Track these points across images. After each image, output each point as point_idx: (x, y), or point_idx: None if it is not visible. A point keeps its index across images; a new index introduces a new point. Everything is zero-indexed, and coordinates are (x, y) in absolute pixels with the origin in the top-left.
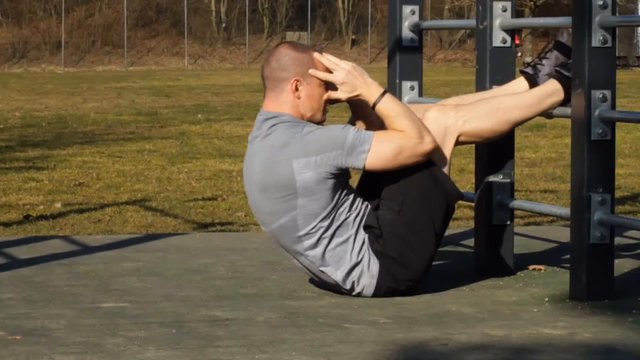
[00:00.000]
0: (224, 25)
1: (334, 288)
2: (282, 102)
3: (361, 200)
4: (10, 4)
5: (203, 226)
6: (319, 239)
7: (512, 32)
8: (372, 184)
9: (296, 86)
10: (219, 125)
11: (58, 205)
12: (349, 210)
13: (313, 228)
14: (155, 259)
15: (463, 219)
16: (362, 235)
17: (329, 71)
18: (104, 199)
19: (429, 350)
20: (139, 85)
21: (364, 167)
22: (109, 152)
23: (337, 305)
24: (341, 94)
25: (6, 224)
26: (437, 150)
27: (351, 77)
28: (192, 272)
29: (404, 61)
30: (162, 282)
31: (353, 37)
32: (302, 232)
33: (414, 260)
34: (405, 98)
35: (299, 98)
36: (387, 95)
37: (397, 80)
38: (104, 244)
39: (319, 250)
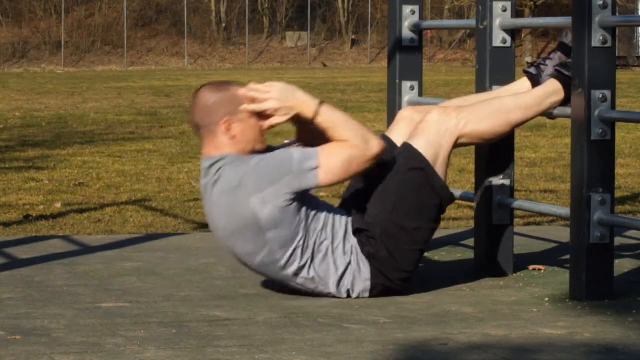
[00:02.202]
0: (224, 25)
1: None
2: (220, 145)
3: (332, 208)
4: (10, 4)
5: (203, 226)
6: (301, 262)
7: (513, 32)
8: (361, 185)
9: (228, 126)
10: None
11: (58, 205)
12: (322, 224)
13: (292, 254)
14: (155, 259)
15: (463, 219)
16: (345, 241)
17: (259, 100)
18: (104, 199)
19: (429, 350)
20: (139, 85)
21: (318, 184)
22: (109, 152)
23: (337, 305)
24: (279, 118)
25: (6, 224)
26: (434, 151)
27: (283, 99)
28: (192, 272)
29: (404, 61)
30: (162, 282)
31: (353, 37)
32: (283, 262)
33: (405, 258)
34: (405, 98)
35: (234, 137)
36: (324, 107)
37: (397, 80)
38: (104, 244)
39: (305, 272)
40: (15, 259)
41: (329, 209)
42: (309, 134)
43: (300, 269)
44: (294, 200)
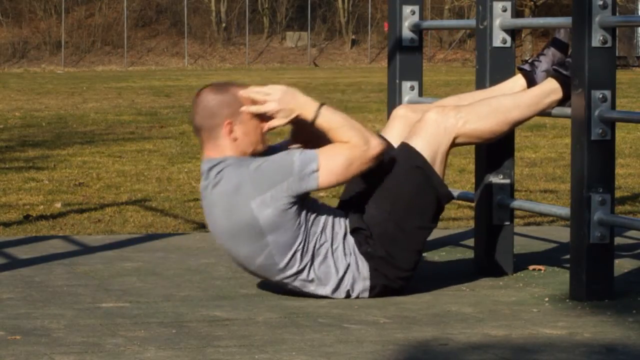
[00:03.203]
0: (224, 25)
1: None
2: (221, 147)
3: (328, 213)
4: (10, 4)
5: (203, 226)
6: (301, 264)
7: (513, 32)
8: (360, 184)
9: (230, 129)
10: None
11: (58, 205)
12: (321, 227)
13: (291, 257)
14: (155, 259)
15: (463, 219)
16: (345, 243)
17: (260, 102)
18: (104, 199)
19: (429, 350)
20: (139, 85)
21: (318, 186)
22: (109, 152)
23: (337, 305)
24: (279, 120)
25: (6, 224)
26: (432, 150)
27: (284, 101)
28: (192, 272)
29: (404, 61)
30: (162, 282)
31: (353, 37)
32: (282, 265)
33: (403, 258)
34: (405, 98)
35: (236, 139)
36: (324, 108)
37: (397, 80)
38: (104, 244)
39: (304, 274)
40: (15, 259)
41: (329, 211)
42: (305, 135)
43: (300, 271)
44: (294, 203)
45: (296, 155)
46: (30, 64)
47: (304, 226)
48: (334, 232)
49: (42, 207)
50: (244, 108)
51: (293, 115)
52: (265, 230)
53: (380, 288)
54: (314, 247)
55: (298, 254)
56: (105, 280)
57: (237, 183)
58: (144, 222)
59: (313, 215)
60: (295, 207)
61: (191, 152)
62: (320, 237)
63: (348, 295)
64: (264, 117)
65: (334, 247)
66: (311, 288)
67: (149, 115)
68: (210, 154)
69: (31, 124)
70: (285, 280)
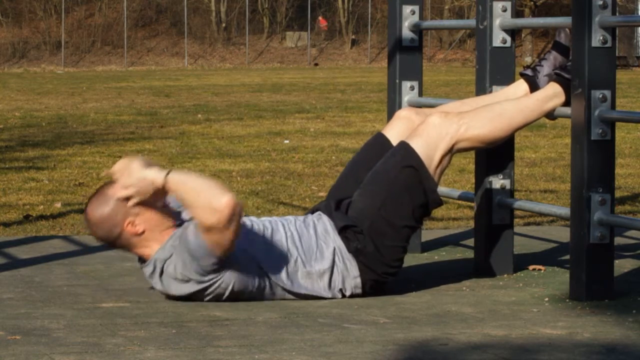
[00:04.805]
0: (224, 25)
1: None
2: (143, 247)
3: (285, 222)
4: (10, 4)
5: None
6: (285, 284)
7: (513, 32)
8: (353, 179)
9: (132, 227)
10: (219, 125)
11: (58, 205)
12: (280, 245)
13: (270, 284)
14: None
15: (463, 219)
16: (324, 245)
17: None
18: None
19: (429, 350)
20: (139, 85)
21: (220, 257)
22: (109, 152)
23: (337, 305)
24: (137, 198)
25: (6, 224)
26: (430, 154)
27: (134, 181)
28: None
29: (404, 61)
30: None
31: (353, 37)
32: (267, 290)
33: (390, 253)
34: (405, 98)
35: (144, 231)
36: (171, 175)
37: (397, 80)
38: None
39: (293, 289)
40: (15, 259)
41: (283, 225)
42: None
43: (286, 290)
44: (223, 260)
45: (189, 238)
46: (30, 64)
47: (258, 260)
48: (304, 244)
49: (42, 207)
50: (129, 204)
51: (152, 187)
52: (231, 286)
53: (371, 283)
54: (287, 265)
55: (273, 278)
56: (105, 280)
57: (177, 274)
58: None
59: (262, 247)
60: (231, 258)
61: (191, 152)
62: (288, 255)
63: (342, 294)
64: (150, 197)
65: (308, 255)
66: (305, 297)
67: (149, 115)
68: (142, 255)
69: (31, 124)
70: (282, 297)
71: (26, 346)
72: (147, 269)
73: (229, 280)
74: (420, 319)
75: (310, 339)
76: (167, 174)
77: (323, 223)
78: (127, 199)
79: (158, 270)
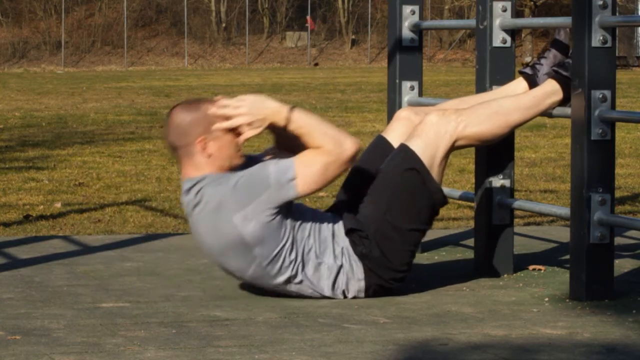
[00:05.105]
0: (224, 25)
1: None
2: (198, 165)
3: (311, 217)
4: (10, 4)
5: None
6: (292, 273)
7: (513, 32)
8: (357, 184)
9: (203, 146)
10: None
11: (58, 205)
12: (308, 232)
13: (281, 266)
14: (155, 259)
15: (463, 219)
16: (334, 244)
17: (230, 117)
18: (104, 199)
19: (429, 350)
20: (139, 85)
21: (298, 194)
22: (109, 152)
23: (337, 305)
24: (253, 131)
25: (6, 224)
26: (430, 154)
27: (254, 112)
28: (192, 272)
29: (404, 61)
30: (162, 282)
31: (353, 37)
32: (273, 273)
33: (397, 258)
34: (405, 98)
35: (210, 155)
36: (296, 112)
37: (397, 80)
38: (104, 244)
39: (297, 279)
40: (15, 259)
41: (314, 215)
42: (288, 140)
43: (292, 277)
44: (276, 214)
45: (271, 166)
46: (30, 64)
47: (289, 234)
48: (322, 236)
49: (42, 207)
50: (216, 126)
51: (265, 125)
52: (251, 244)
53: (375, 288)
54: (303, 252)
55: (287, 261)
56: (105, 280)
57: (218, 201)
58: (144, 222)
59: (298, 222)
60: (278, 217)
61: None
62: (308, 242)
63: (345, 296)
64: (237, 130)
65: (322, 250)
66: (308, 292)
67: (149, 115)
68: (188, 172)
69: (31, 124)
70: (280, 287)
71: (26, 346)
72: (189, 198)
73: (269, 234)
74: (420, 319)
75: (310, 339)
76: (292, 109)
77: (336, 222)
78: (224, 118)
79: (203, 202)
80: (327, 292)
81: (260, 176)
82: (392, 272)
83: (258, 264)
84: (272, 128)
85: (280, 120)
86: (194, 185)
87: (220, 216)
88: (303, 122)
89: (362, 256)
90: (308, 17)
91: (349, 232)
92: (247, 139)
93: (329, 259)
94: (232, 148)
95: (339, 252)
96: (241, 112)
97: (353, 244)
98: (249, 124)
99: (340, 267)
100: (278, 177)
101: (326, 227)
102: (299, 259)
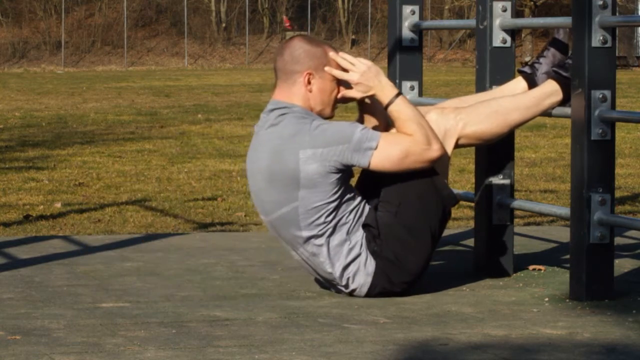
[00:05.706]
0: (224, 25)
1: (329, 282)
2: (293, 93)
3: (360, 199)
4: (10, 4)
5: (203, 226)
6: (318, 233)
7: (513, 32)
8: (370, 184)
9: (309, 79)
10: (219, 125)
11: (58, 205)
12: (349, 208)
13: (313, 222)
14: (155, 259)
15: (463, 219)
16: (361, 233)
17: (344, 69)
18: (104, 199)
19: (429, 350)
20: (139, 85)
21: (369, 165)
22: (109, 152)
23: (337, 305)
24: (355, 93)
25: (6, 224)
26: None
27: (366, 77)
28: (192, 272)
29: (404, 61)
30: (162, 282)
31: (353, 37)
32: (302, 224)
33: (411, 262)
34: None
35: (310, 91)
36: (401, 98)
37: (397, 80)
38: (104, 244)
39: (318, 242)
40: (15, 259)
41: (361, 199)
42: (372, 119)
43: (316, 236)
44: (338, 171)
45: (360, 128)
46: (30, 64)
47: (338, 198)
48: (360, 219)
49: (42, 207)
50: (327, 68)
51: (369, 93)
52: (301, 184)
53: (380, 289)
54: (338, 222)
55: (321, 220)
56: (105, 280)
57: (295, 130)
58: (144, 222)
59: (351, 194)
60: (337, 176)
61: (191, 152)
62: (348, 217)
63: (347, 285)
64: (342, 84)
65: (354, 232)
66: (319, 259)
67: (149, 115)
68: (280, 95)
69: (31, 124)
70: (298, 241)
71: (26, 346)
72: (269, 117)
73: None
74: (420, 319)
75: (310, 339)
76: (398, 94)
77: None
78: (338, 66)
79: (281, 125)
80: (336, 272)
81: (345, 130)
82: (404, 276)
83: (295, 207)
84: (366, 105)
85: (383, 98)
86: (280, 108)
87: (290, 145)
88: (404, 109)
89: (374, 254)
90: (284, 17)
91: (365, 227)
92: (346, 98)
93: (355, 243)
94: (330, 97)
95: (364, 242)
96: (356, 70)
97: (367, 240)
98: (356, 85)
99: (358, 255)
100: (361, 139)
101: (362, 209)
102: (332, 225)
